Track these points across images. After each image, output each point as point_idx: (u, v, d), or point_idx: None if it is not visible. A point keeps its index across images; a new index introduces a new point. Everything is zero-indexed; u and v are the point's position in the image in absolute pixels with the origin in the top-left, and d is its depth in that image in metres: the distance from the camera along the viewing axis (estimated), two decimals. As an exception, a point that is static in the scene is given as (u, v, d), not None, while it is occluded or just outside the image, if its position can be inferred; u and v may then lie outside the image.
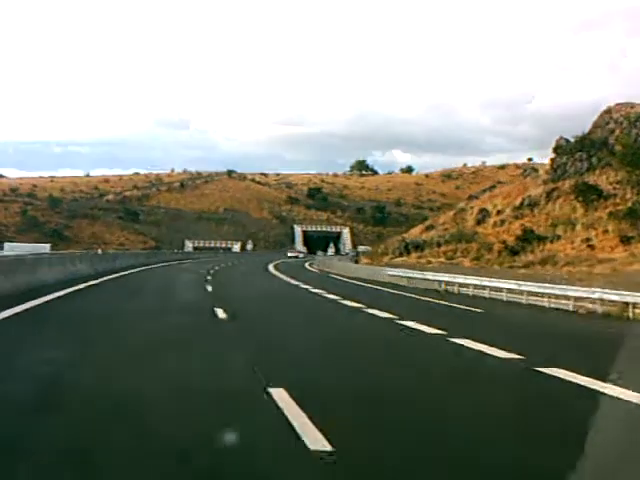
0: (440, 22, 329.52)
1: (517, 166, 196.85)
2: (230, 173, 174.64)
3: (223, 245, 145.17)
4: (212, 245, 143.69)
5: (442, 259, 54.75)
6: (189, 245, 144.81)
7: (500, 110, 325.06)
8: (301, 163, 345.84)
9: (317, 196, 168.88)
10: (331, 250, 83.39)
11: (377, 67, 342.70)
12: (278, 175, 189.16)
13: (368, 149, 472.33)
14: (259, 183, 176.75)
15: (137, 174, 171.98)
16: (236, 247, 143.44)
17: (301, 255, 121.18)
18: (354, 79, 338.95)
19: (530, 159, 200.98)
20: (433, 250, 60.29)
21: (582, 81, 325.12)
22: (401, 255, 61.02)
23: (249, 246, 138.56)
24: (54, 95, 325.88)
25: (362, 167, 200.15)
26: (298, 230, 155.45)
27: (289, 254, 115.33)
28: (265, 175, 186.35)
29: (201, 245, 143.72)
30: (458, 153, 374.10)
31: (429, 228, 66.27)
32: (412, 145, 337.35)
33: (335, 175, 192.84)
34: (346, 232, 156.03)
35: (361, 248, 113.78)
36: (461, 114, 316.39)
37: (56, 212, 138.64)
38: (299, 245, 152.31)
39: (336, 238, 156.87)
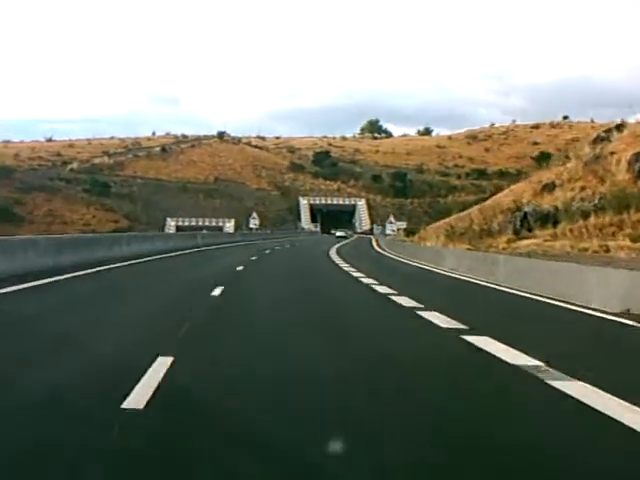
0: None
1: (552, 125, 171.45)
2: (222, 135, 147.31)
3: (213, 224, 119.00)
4: (200, 224, 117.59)
5: (626, 242, 28.16)
6: (171, 224, 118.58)
7: (492, 82, 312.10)
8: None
9: (325, 162, 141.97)
10: (391, 227, 54.98)
11: (370, 42, 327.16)
12: (278, 138, 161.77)
13: (361, 123, 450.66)
14: (256, 147, 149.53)
15: (112, 138, 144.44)
16: (228, 226, 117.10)
17: (350, 233, 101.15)
18: (347, 53, 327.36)
19: (566, 117, 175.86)
20: (575, 224, 33.74)
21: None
22: (517, 235, 34.57)
23: (254, 222, 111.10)
24: (39, 72, 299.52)
25: (374, 128, 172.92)
26: (304, 203, 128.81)
27: (337, 234, 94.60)
28: (263, 138, 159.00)
29: (186, 224, 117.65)
30: (452, 126, 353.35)
31: (549, 187, 39.46)
32: (405, 119, 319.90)
33: (344, 138, 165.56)
34: (362, 205, 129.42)
35: (396, 225, 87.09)
36: (453, 87, 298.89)
37: (5, 184, 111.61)
38: (306, 222, 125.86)
39: (351, 212, 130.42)
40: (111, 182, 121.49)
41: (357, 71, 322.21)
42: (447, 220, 79.01)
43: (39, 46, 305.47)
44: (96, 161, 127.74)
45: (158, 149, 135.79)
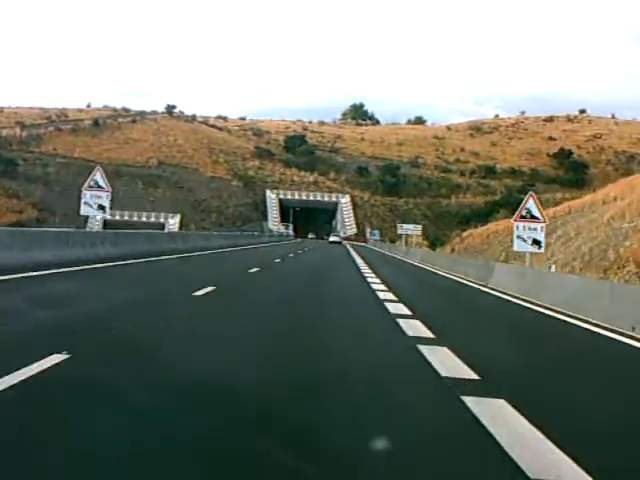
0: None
1: (569, 118, 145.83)
2: (171, 110, 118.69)
3: (153, 219, 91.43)
4: (135, 219, 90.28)
5: None
6: (97, 218, 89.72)
7: (466, 90, 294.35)
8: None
9: (299, 149, 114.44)
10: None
11: (347, 48, 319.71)
12: (243, 120, 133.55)
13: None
14: (214, 127, 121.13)
15: (32, 108, 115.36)
16: (172, 223, 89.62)
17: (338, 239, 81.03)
18: (323, 55, 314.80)
19: (583, 111, 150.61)
20: None
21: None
22: None
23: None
24: (18, 63, 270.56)
25: (359, 114, 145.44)
26: (272, 198, 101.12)
27: (331, 239, 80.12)
28: (224, 119, 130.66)
29: (117, 219, 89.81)
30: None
31: None
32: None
33: (322, 123, 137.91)
34: (346, 202, 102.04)
35: (407, 228, 59.36)
36: (429, 93, 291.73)
37: None
38: (274, 221, 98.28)
39: (332, 212, 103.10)
40: (20, 160, 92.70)
41: (333, 74, 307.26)
42: (488, 227, 52.16)
43: (15, 38, 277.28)
44: (5, 132, 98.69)
45: (89, 122, 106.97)
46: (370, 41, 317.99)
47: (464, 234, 48.10)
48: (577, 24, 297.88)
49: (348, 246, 62.14)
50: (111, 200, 21.54)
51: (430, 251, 41.78)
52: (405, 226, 59.17)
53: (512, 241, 37.05)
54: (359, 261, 30.74)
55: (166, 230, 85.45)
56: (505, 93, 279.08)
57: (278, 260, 25.26)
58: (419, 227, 57.89)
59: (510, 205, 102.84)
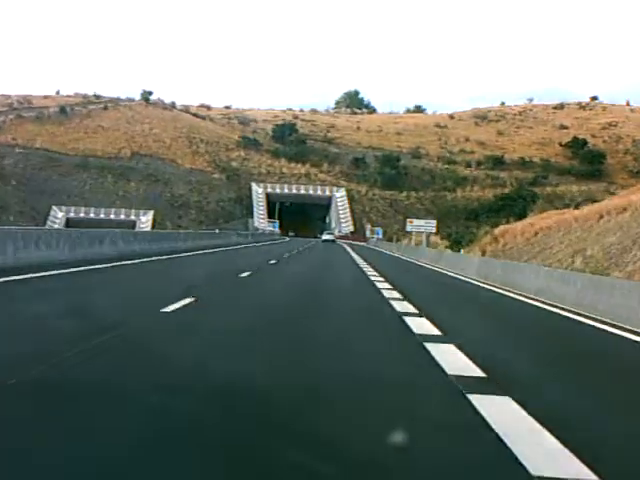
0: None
1: (581, 106, 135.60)
2: (147, 96, 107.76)
3: (123, 216, 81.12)
4: (103, 216, 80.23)
5: None
6: (59, 215, 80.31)
7: (460, 92, 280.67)
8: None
9: (289, 138, 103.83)
10: None
11: (340, 45, 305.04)
12: (228, 108, 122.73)
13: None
14: (195, 115, 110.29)
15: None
16: (144, 221, 79.31)
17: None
18: (317, 56, 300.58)
19: (594, 98, 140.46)
20: None
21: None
22: None
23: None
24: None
25: (354, 102, 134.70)
26: (259, 192, 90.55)
27: (324, 237, 71.80)
28: (208, 108, 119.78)
29: (82, 216, 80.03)
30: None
31: None
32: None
33: (314, 111, 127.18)
34: (341, 197, 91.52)
35: (418, 225, 48.59)
36: (424, 93, 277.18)
37: None
38: (260, 218, 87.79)
39: (325, 207, 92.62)
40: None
41: (325, 69, 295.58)
42: (531, 221, 41.16)
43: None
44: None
45: (55, 110, 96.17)
46: (363, 34, 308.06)
47: (496, 231, 37.38)
48: (577, 18, 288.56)
49: (348, 248, 50.75)
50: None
51: (502, 262, 21.71)
52: (416, 222, 48.51)
53: (587, 239, 26.64)
54: (389, 294, 13.60)
55: (138, 228, 74.95)
56: (504, 90, 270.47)
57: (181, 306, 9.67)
58: (433, 223, 47.30)
59: (523, 198, 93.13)
